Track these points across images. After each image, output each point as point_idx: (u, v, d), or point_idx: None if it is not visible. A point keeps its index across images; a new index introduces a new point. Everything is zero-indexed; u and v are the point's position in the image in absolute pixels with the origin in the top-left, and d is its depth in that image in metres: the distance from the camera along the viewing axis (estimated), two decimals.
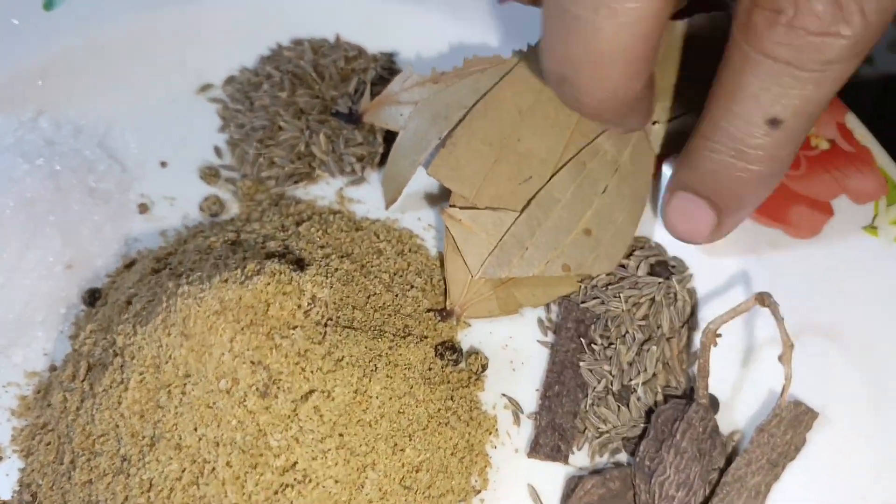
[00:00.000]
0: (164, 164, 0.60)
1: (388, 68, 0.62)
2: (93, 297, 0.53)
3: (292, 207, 0.55)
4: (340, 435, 0.40)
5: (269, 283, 0.40)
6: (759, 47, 0.36)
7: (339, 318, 0.44)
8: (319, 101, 0.59)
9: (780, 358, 0.40)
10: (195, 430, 0.38)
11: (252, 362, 0.38)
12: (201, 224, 0.56)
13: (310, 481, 0.39)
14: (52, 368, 0.51)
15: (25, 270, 0.52)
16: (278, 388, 0.38)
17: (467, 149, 0.50)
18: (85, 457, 0.42)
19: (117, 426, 0.40)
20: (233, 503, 0.38)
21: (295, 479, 0.39)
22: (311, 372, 0.39)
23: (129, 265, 0.54)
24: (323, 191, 0.57)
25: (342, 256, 0.50)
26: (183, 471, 0.38)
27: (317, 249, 0.50)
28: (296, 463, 0.39)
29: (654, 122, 0.52)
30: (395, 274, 0.51)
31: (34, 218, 0.53)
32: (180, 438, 0.39)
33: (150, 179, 0.59)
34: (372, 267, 0.51)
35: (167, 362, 0.39)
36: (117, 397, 0.40)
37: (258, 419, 0.38)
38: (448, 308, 0.50)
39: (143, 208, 0.57)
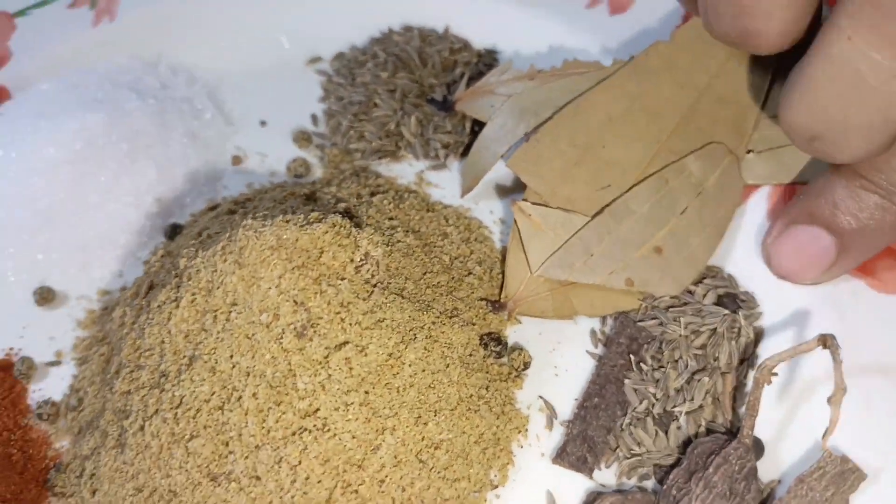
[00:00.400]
0: (263, 123, 0.62)
1: (489, 65, 0.62)
2: (174, 231, 0.56)
3: (371, 180, 0.56)
4: (366, 392, 0.40)
5: (327, 232, 0.41)
6: None
7: (390, 283, 0.44)
8: (417, 86, 0.61)
9: (829, 400, 0.38)
10: (231, 356, 0.40)
11: (295, 302, 0.39)
12: (285, 181, 0.58)
13: (328, 430, 0.39)
14: (123, 289, 0.54)
15: (117, 195, 0.56)
16: (315, 331, 0.39)
17: (551, 147, 0.50)
18: (129, 368, 0.44)
19: (163, 342, 0.42)
20: (251, 434, 0.39)
21: (314, 426, 0.39)
22: (350, 324, 0.40)
23: (213, 208, 0.57)
24: (404, 171, 0.58)
25: (408, 231, 0.50)
26: (212, 394, 0.40)
27: (385, 220, 0.50)
28: (318, 409, 0.39)
29: (749, 151, 0.50)
30: (455, 258, 0.51)
31: (136, 149, 0.57)
32: (216, 363, 0.40)
33: (247, 135, 0.62)
34: (435, 247, 0.51)
35: (218, 287, 0.41)
36: (168, 314, 0.42)
37: (290, 358, 0.39)
38: (502, 300, 0.49)
39: (237, 160, 0.60)
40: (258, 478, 0.39)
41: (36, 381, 0.51)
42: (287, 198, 0.51)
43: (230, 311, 0.40)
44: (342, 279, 0.41)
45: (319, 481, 0.39)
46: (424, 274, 0.48)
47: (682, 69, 0.52)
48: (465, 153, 0.58)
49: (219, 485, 0.40)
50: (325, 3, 0.66)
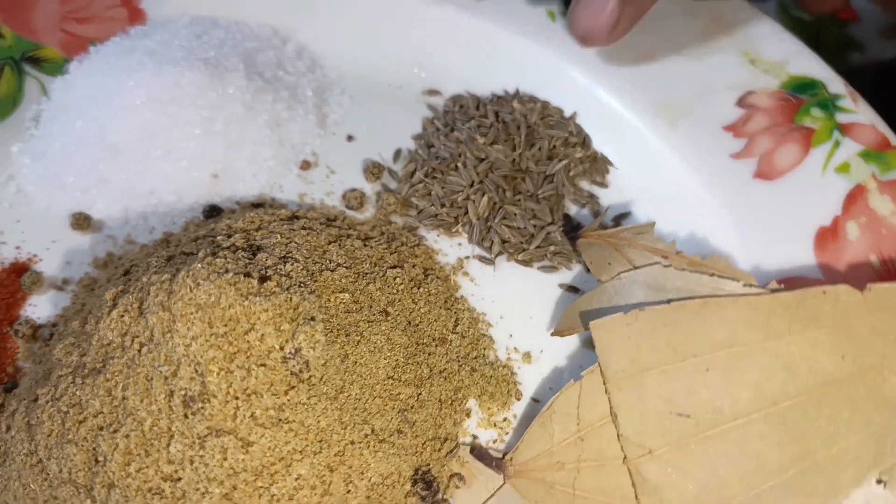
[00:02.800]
0: (350, 138, 0.60)
1: (599, 174, 0.55)
2: (210, 213, 0.55)
3: (407, 247, 0.52)
4: (234, 487, 0.37)
5: (266, 310, 0.37)
6: None
7: (329, 381, 0.40)
8: (510, 166, 0.55)
9: None
10: (125, 388, 0.38)
11: (196, 369, 0.36)
12: (333, 209, 0.55)
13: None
14: (143, 247, 0.54)
15: (179, 157, 0.55)
16: (201, 407, 0.36)
17: (649, 334, 0.42)
18: (72, 339, 0.43)
19: (93, 336, 0.41)
20: (112, 471, 0.37)
21: (171, 493, 0.37)
22: (244, 415, 0.37)
23: (257, 206, 0.55)
24: (450, 248, 0.53)
25: (402, 325, 0.46)
26: (99, 413, 0.38)
27: (383, 302, 0.46)
28: (179, 479, 0.37)
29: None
30: (440, 372, 0.46)
31: (214, 120, 0.56)
32: (113, 386, 0.38)
33: (329, 143, 0.59)
34: (424, 352, 0.46)
35: (143, 317, 0.39)
36: (104, 313, 0.41)
37: (172, 420, 0.37)
38: (505, 459, 0.43)
39: (305, 165, 0.58)
40: None
41: (38, 294, 0.53)
42: (304, 241, 0.47)
43: (144, 346, 0.38)
44: (261, 365, 0.37)
45: None
46: (387, 379, 0.44)
47: (859, 336, 0.41)
48: (523, 260, 0.52)
49: (78, 493, 0.39)
50: (464, 39, 0.62)
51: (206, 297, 0.37)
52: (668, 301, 0.44)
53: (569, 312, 0.48)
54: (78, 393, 0.40)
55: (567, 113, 0.58)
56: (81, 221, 0.56)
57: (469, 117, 0.57)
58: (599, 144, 0.57)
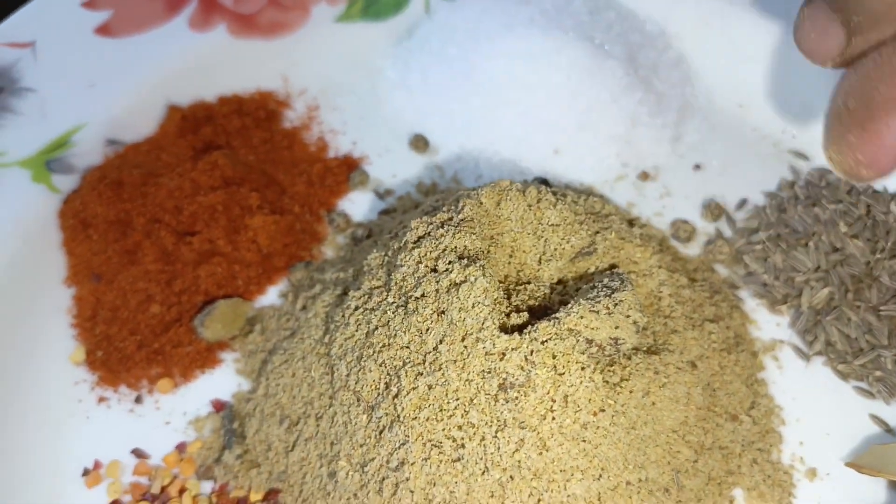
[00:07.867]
0: (697, 167, 0.56)
1: None
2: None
3: (725, 304, 0.48)
4: (506, 480, 0.36)
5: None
6: None
7: (628, 411, 0.38)
8: (864, 267, 0.49)
9: None
10: (439, 341, 0.38)
11: (526, 358, 0.36)
12: (659, 232, 0.53)
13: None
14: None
15: (527, 121, 0.56)
16: (517, 397, 0.36)
17: None
18: (389, 250, 0.44)
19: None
20: (401, 406, 0.38)
21: (450, 455, 0.37)
22: (555, 421, 0.36)
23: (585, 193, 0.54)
24: (766, 324, 0.49)
25: (703, 384, 0.43)
26: (404, 347, 0.39)
27: (693, 353, 0.43)
28: (463, 446, 0.37)
29: None
30: (720, 448, 0.43)
31: (578, 97, 0.55)
32: (425, 330, 0.38)
33: (673, 164, 0.57)
34: (712, 422, 0.43)
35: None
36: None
37: (479, 393, 0.36)
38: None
39: (644, 176, 0.56)
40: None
41: (359, 192, 0.56)
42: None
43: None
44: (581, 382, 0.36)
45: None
46: (672, 432, 0.41)
47: None
48: (840, 371, 0.47)
49: (357, 404, 0.40)
50: None
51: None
52: None
53: (877, 452, 0.43)
54: (389, 314, 0.40)
55: None
56: (419, 143, 0.57)
57: (837, 199, 0.52)
58: None
